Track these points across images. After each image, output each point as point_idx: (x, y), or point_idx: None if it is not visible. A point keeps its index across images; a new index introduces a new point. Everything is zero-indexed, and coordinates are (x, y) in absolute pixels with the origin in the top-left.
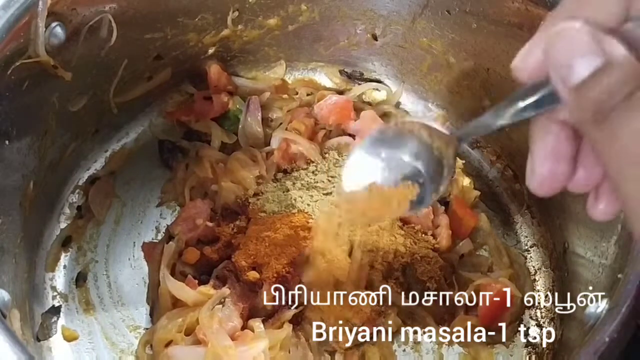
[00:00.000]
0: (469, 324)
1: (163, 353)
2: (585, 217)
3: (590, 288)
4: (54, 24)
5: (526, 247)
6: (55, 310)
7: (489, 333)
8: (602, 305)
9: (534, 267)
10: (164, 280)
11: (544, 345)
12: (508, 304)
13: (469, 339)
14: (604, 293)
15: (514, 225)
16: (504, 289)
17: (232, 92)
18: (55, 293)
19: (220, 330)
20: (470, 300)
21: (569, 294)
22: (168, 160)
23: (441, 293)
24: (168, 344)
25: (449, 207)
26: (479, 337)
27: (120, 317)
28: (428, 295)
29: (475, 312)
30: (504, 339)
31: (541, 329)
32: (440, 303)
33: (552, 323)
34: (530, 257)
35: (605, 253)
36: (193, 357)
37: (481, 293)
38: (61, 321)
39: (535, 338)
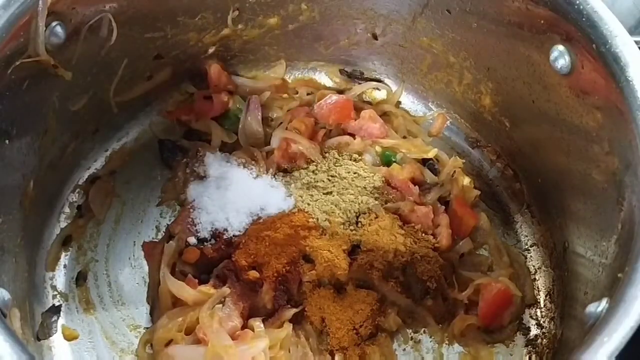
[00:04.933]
0: (468, 323)
1: (163, 352)
2: (586, 217)
3: (591, 287)
4: (54, 24)
5: (526, 247)
6: (55, 310)
7: (489, 332)
8: (603, 305)
9: (534, 266)
10: (164, 279)
11: (544, 344)
12: (508, 303)
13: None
14: (604, 292)
15: (514, 225)
16: (504, 288)
17: (232, 91)
18: (55, 292)
19: (220, 330)
20: (471, 300)
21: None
22: (168, 160)
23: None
24: (168, 343)
25: (449, 207)
26: (479, 336)
27: (120, 317)
28: (428, 294)
29: (475, 312)
30: (503, 338)
31: (541, 328)
32: (441, 302)
33: (552, 322)
34: (531, 256)
35: (605, 252)
36: (193, 356)
37: (481, 292)
38: (61, 320)
39: (535, 337)
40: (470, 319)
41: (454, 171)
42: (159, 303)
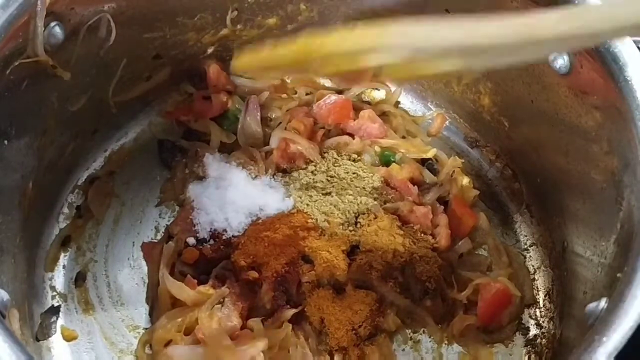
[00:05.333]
0: (468, 323)
1: (162, 353)
2: (585, 216)
3: (590, 287)
4: (52, 24)
5: (525, 246)
6: (54, 310)
7: (488, 332)
8: (602, 305)
9: (533, 266)
10: (163, 280)
11: (543, 344)
12: (507, 303)
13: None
14: (603, 292)
15: (513, 225)
16: (503, 288)
17: (231, 91)
18: (54, 293)
19: (219, 330)
20: (470, 300)
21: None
22: (167, 160)
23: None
24: (167, 343)
25: (448, 207)
26: (478, 336)
27: (119, 317)
28: (427, 294)
29: (475, 312)
30: (503, 338)
31: (540, 328)
32: (440, 303)
33: (552, 322)
34: (530, 256)
35: (604, 252)
36: (192, 357)
37: (480, 292)
38: (60, 321)
39: (534, 337)
40: (469, 319)
41: (453, 171)
42: (158, 303)
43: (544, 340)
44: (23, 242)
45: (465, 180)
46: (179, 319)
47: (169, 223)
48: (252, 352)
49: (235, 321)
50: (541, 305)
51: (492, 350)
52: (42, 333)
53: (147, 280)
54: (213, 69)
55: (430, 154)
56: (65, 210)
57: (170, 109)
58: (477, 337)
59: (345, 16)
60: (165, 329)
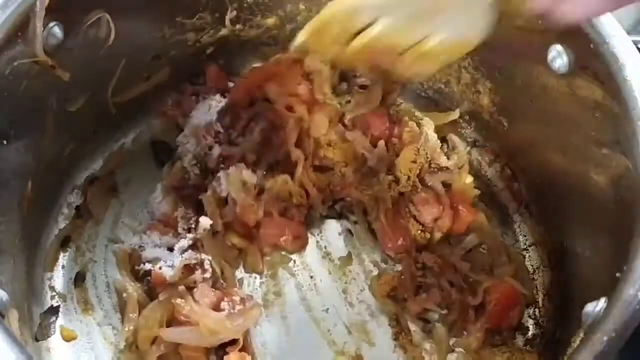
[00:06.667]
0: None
1: (151, 351)
2: (585, 216)
3: (589, 287)
4: (51, 24)
5: (525, 246)
6: (53, 310)
7: (499, 333)
8: (601, 305)
9: (532, 266)
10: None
11: (543, 344)
12: (516, 303)
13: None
14: (602, 292)
15: (512, 225)
16: (510, 288)
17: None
18: (53, 293)
19: (201, 309)
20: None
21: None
22: (164, 161)
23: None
24: (153, 341)
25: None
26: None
27: (118, 317)
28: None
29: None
30: (504, 339)
31: (540, 328)
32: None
33: (551, 322)
34: (529, 256)
35: (603, 252)
36: (190, 336)
37: (489, 294)
38: (60, 321)
39: (534, 337)
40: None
41: (462, 165)
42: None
43: (543, 340)
44: (22, 242)
45: (469, 179)
46: (158, 314)
47: None
48: (247, 324)
49: (212, 294)
50: (540, 305)
51: (493, 350)
52: (42, 333)
53: None
54: (212, 70)
55: (453, 115)
56: (65, 210)
57: (165, 109)
58: (489, 339)
59: None
60: (147, 327)
